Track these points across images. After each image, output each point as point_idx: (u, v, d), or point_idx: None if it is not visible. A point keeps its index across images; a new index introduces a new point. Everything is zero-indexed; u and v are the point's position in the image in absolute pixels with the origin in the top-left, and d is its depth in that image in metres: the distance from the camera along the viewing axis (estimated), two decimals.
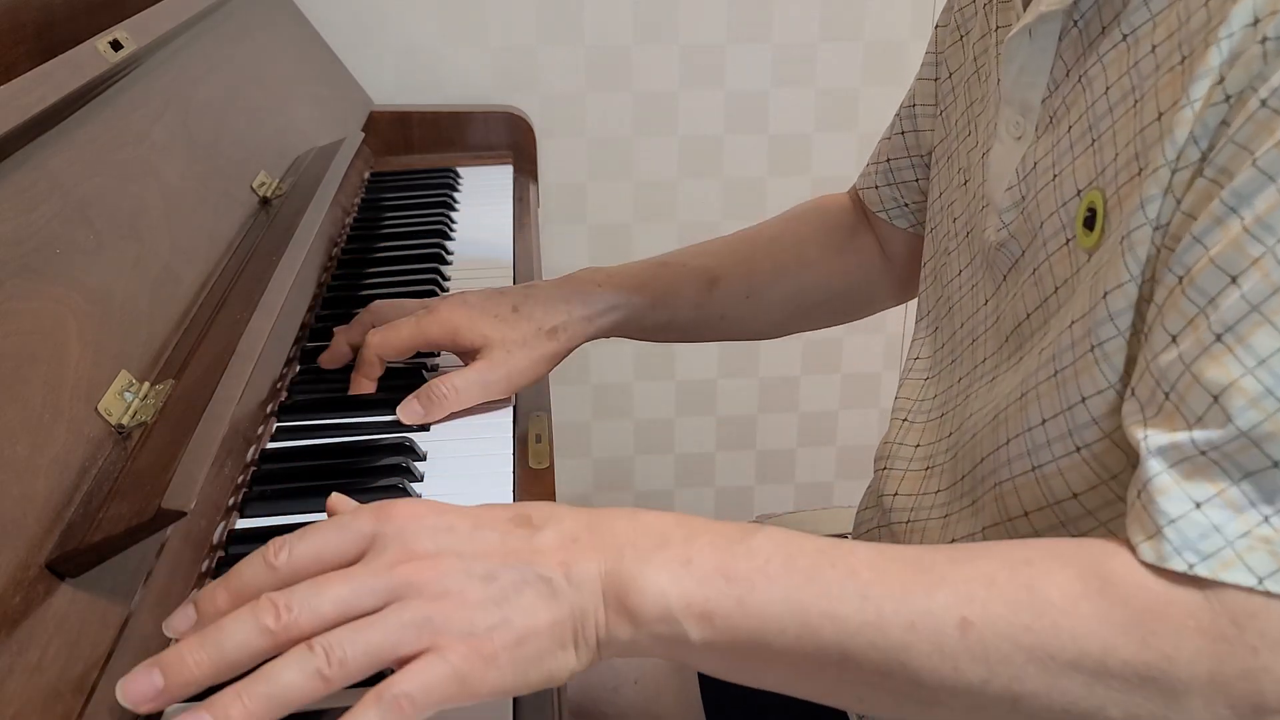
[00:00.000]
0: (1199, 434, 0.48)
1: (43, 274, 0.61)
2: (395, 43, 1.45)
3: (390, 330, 0.80)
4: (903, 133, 0.86)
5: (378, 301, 0.85)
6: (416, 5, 1.44)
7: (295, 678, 0.45)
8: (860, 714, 0.76)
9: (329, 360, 0.84)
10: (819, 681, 0.51)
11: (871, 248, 0.92)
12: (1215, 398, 0.47)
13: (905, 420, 0.77)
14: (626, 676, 0.87)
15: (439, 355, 0.87)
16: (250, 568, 0.49)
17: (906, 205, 0.88)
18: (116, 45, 0.78)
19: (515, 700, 0.55)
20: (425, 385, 0.78)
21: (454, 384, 0.78)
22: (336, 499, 0.56)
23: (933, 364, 0.77)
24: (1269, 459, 0.46)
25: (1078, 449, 0.57)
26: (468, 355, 0.80)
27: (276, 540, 0.50)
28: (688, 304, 0.87)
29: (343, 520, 0.50)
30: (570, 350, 0.82)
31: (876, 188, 0.89)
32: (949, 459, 0.71)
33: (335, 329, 0.85)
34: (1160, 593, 0.48)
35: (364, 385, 0.81)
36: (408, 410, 0.77)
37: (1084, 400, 0.55)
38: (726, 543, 0.51)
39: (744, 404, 1.71)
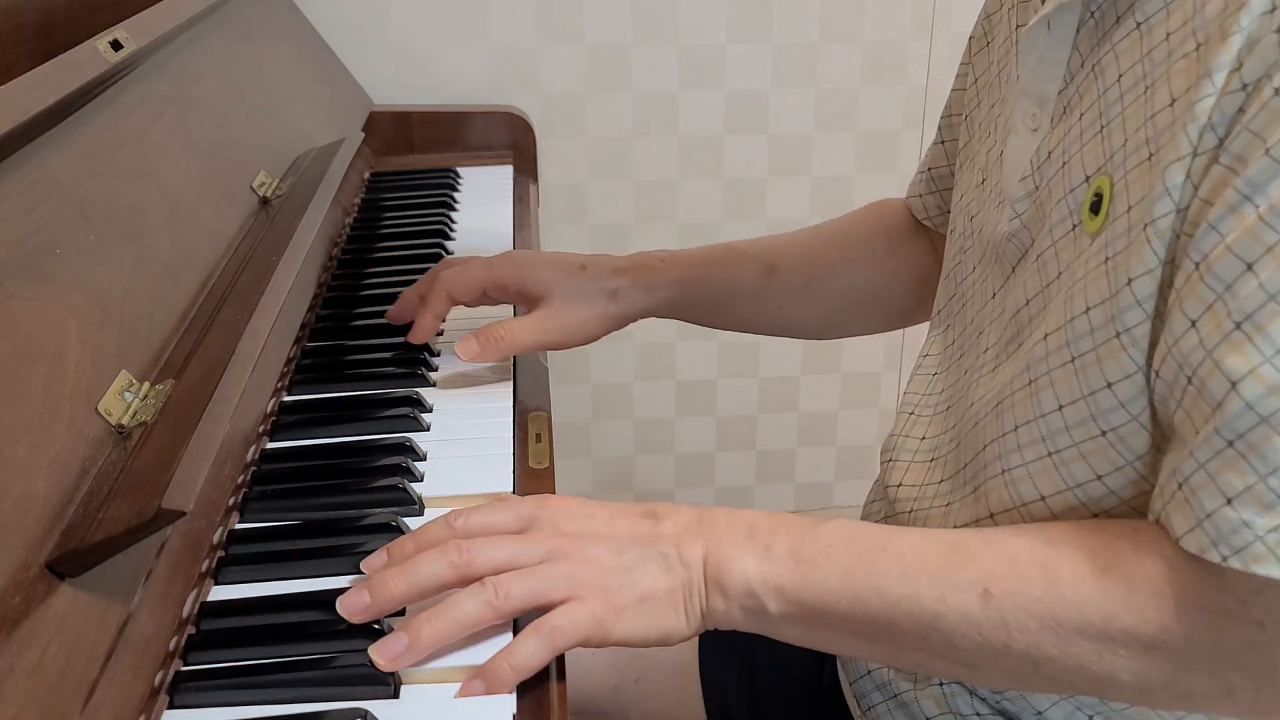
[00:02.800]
0: (1222, 422, 0.49)
1: (43, 274, 0.61)
2: (395, 43, 1.45)
3: (462, 267, 0.85)
4: (942, 142, 0.87)
5: (448, 258, 0.91)
6: (416, 5, 1.44)
7: (471, 606, 0.57)
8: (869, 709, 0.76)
9: (397, 314, 0.88)
10: (877, 647, 0.59)
11: (926, 252, 0.92)
12: (1234, 384, 0.49)
13: (912, 414, 0.78)
14: (628, 675, 0.87)
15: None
16: (434, 526, 0.61)
17: (949, 212, 0.87)
18: (116, 45, 0.78)
19: (517, 700, 0.55)
20: (484, 326, 0.82)
21: (511, 327, 0.82)
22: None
23: (943, 360, 0.78)
24: None
25: (1103, 433, 0.57)
26: (529, 304, 0.84)
27: (456, 510, 0.62)
28: (746, 290, 0.89)
29: (510, 503, 0.62)
30: (628, 319, 0.85)
31: (921, 196, 0.89)
32: (952, 449, 0.71)
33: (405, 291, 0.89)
34: (1161, 572, 0.52)
35: (426, 329, 0.85)
36: (465, 347, 0.82)
37: (1109, 385, 0.56)
38: (799, 531, 0.60)
39: (744, 404, 1.71)
